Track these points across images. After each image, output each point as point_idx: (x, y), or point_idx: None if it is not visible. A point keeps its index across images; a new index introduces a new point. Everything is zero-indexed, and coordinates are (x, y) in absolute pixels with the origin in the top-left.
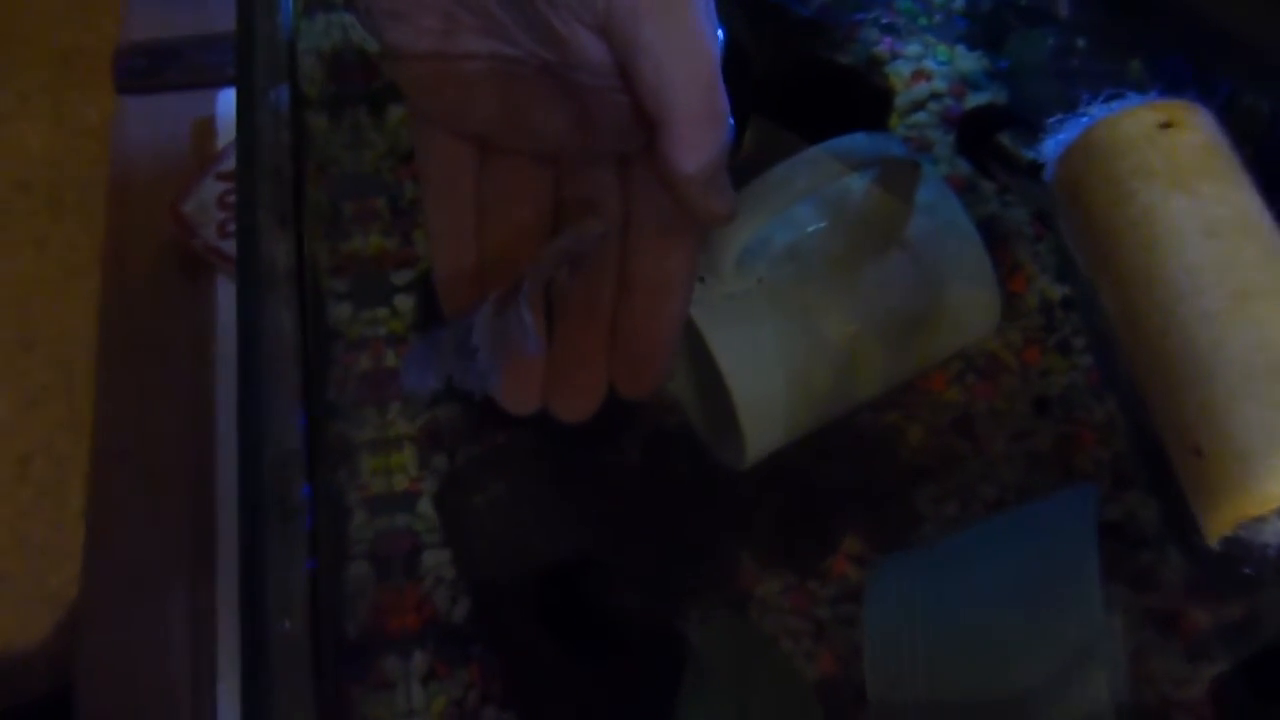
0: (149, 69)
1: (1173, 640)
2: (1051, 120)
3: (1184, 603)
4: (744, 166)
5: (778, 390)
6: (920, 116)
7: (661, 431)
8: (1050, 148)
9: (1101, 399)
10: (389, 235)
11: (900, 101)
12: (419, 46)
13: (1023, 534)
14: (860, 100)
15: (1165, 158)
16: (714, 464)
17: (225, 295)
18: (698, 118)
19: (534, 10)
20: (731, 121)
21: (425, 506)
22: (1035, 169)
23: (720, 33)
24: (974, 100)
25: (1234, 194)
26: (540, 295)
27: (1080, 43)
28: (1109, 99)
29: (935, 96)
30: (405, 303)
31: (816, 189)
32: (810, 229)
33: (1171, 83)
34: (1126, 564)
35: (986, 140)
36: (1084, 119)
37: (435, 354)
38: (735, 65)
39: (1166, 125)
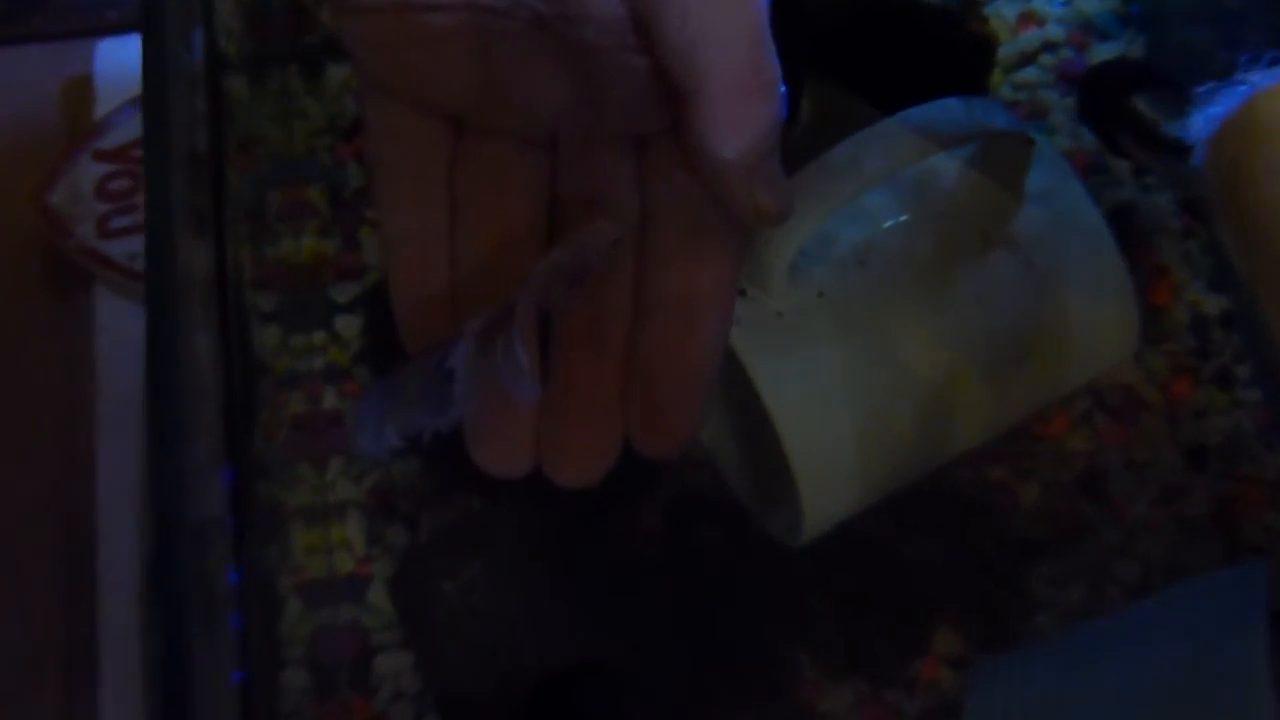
0: (5, 13)
1: None
2: (1200, 89)
3: None
4: (799, 145)
5: (846, 440)
6: (1030, 74)
7: (689, 494)
8: (1200, 124)
9: (1273, 447)
10: (327, 236)
11: (1004, 54)
12: None
13: (1171, 626)
14: (951, 53)
15: None
16: (760, 537)
17: (108, 313)
18: (739, 85)
19: None
20: (784, 89)
21: (378, 595)
22: (1181, 148)
23: None
24: (1101, 53)
25: None
26: (534, 324)
27: None
28: (1274, 62)
29: (1050, 47)
30: (349, 325)
31: (894, 173)
32: (887, 225)
33: None
34: None
35: (1118, 105)
36: (1242, 89)
37: (396, 403)
38: (786, 11)
39: None
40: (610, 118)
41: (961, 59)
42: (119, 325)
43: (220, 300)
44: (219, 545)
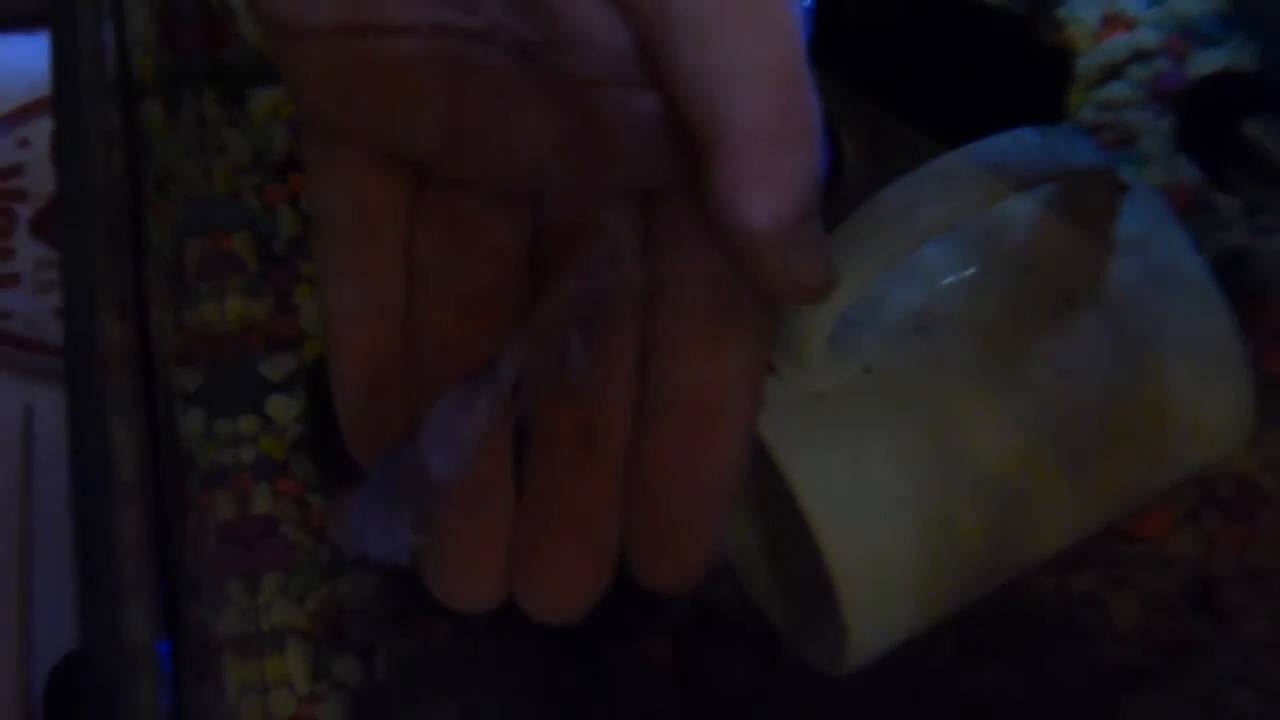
0: None
1: None
2: None
3: None
4: (844, 194)
5: (900, 548)
6: (1116, 90)
7: (706, 615)
8: None
9: None
10: (256, 296)
11: (1084, 66)
12: (320, 15)
13: None
14: (1021, 68)
15: None
16: (794, 666)
17: None
18: (771, 132)
19: None
20: (825, 136)
21: None
22: None
23: None
24: (1202, 63)
25: None
26: (511, 399)
27: None
28: None
29: (1141, 57)
30: (284, 408)
31: (956, 221)
32: (946, 282)
33: None
34: None
35: (1225, 129)
36: None
37: (397, 496)
38: (821, 27)
39: None
40: (609, 169)
41: (1032, 75)
42: None
43: (147, 386)
44: (147, 683)
